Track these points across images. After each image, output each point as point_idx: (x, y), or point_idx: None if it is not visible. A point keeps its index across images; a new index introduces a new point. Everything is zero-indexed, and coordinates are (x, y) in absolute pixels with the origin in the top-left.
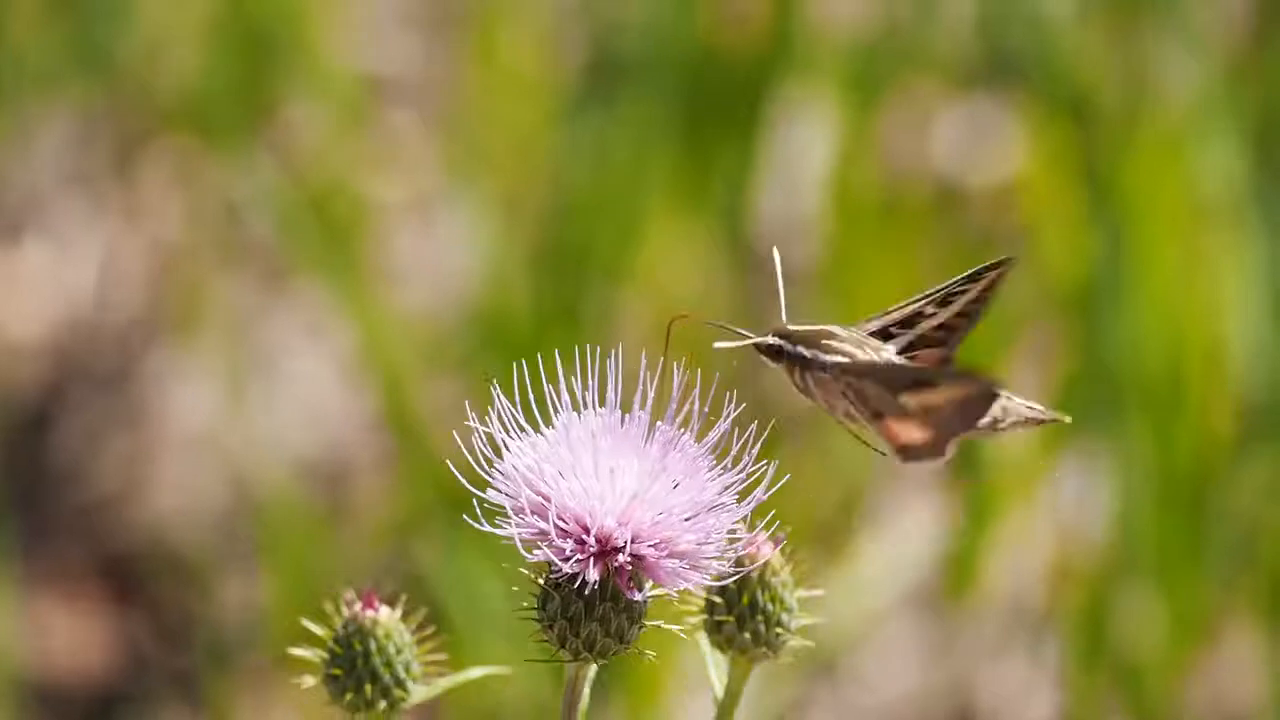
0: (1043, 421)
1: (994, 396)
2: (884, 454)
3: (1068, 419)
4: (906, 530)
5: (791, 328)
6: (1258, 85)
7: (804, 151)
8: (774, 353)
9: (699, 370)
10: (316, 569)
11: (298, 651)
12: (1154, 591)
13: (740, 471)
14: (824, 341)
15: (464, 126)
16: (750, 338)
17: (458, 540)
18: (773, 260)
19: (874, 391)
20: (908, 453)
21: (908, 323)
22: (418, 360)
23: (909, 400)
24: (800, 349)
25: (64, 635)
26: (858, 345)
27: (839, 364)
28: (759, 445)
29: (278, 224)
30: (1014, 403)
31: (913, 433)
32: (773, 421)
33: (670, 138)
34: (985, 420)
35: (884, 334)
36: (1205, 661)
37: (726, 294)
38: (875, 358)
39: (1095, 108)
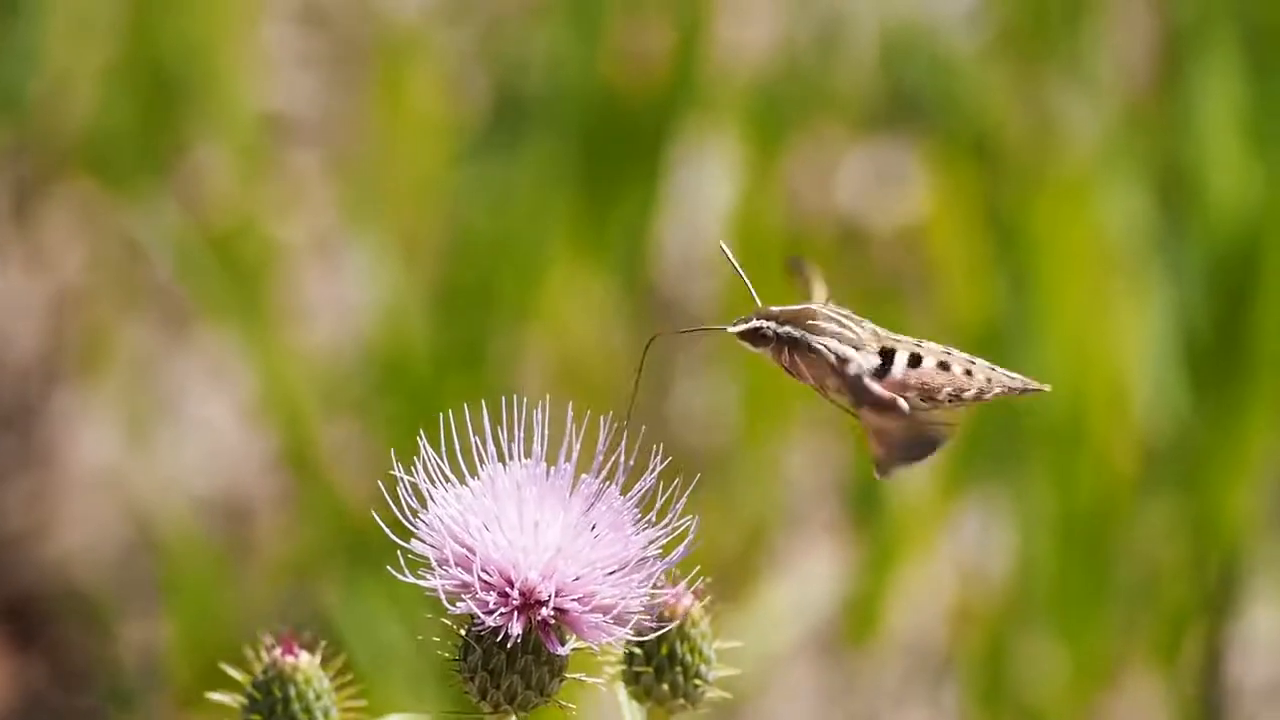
0: (1026, 390)
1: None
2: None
3: (1048, 387)
4: (807, 573)
5: (773, 309)
6: (1159, 131)
7: (707, 192)
8: (759, 336)
9: (603, 413)
10: (219, 609)
11: (216, 696)
12: (1055, 634)
13: (665, 526)
14: (809, 322)
15: (366, 167)
16: (728, 326)
17: (358, 580)
18: (725, 254)
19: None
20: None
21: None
22: (318, 401)
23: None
24: (789, 329)
25: None
26: (840, 320)
27: (825, 345)
28: (684, 499)
29: (180, 266)
30: (998, 373)
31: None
32: (666, 463)
33: (572, 178)
34: (971, 392)
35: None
36: (1106, 705)
37: (628, 335)
38: (860, 332)
39: (999, 151)
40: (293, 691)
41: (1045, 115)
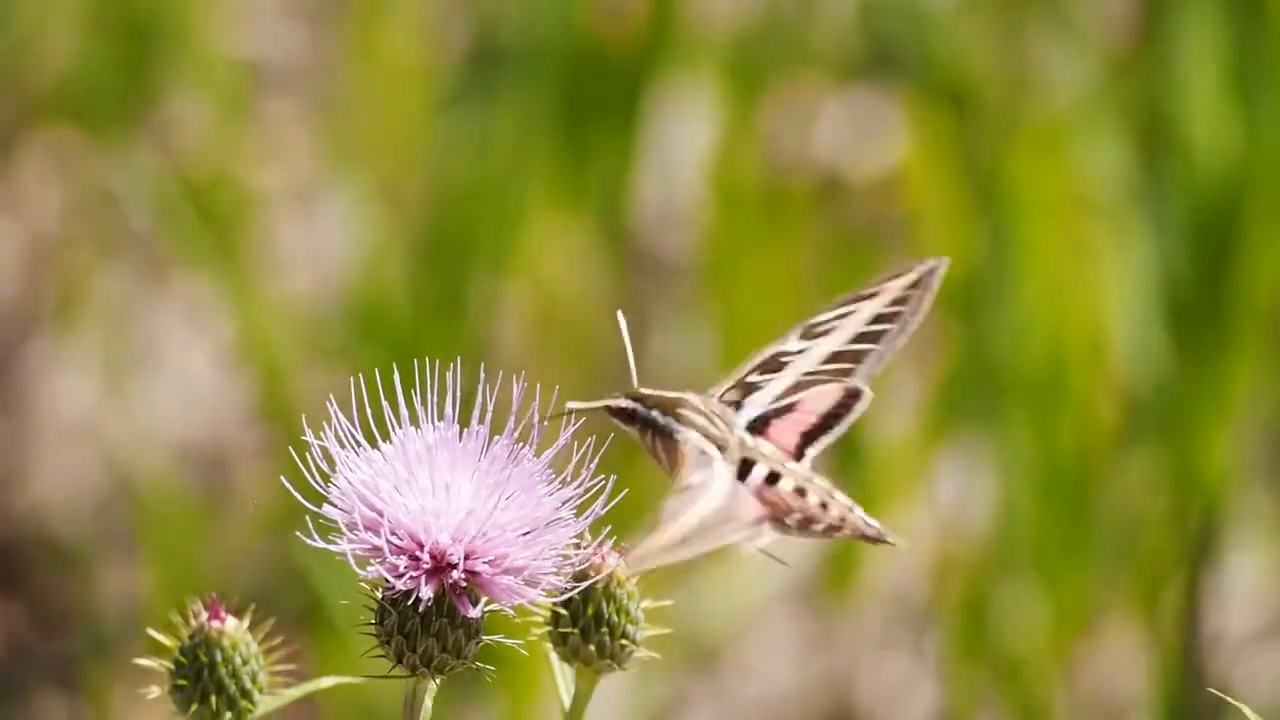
0: (880, 540)
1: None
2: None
3: (903, 543)
4: None
5: (645, 391)
6: (1139, 80)
7: (685, 142)
8: (627, 416)
9: (580, 361)
10: (196, 558)
11: (143, 662)
12: (1035, 585)
13: (578, 486)
14: (679, 410)
15: (344, 116)
16: (607, 402)
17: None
18: (619, 323)
19: None
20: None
21: (770, 366)
22: (296, 350)
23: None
24: (654, 414)
25: None
26: (710, 417)
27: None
28: (598, 458)
29: (157, 214)
30: (855, 515)
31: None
32: (580, 423)
33: (550, 128)
34: (821, 525)
35: (744, 386)
36: (1086, 655)
37: (607, 284)
38: (729, 435)
39: (978, 101)
40: (219, 656)
41: (1024, 64)
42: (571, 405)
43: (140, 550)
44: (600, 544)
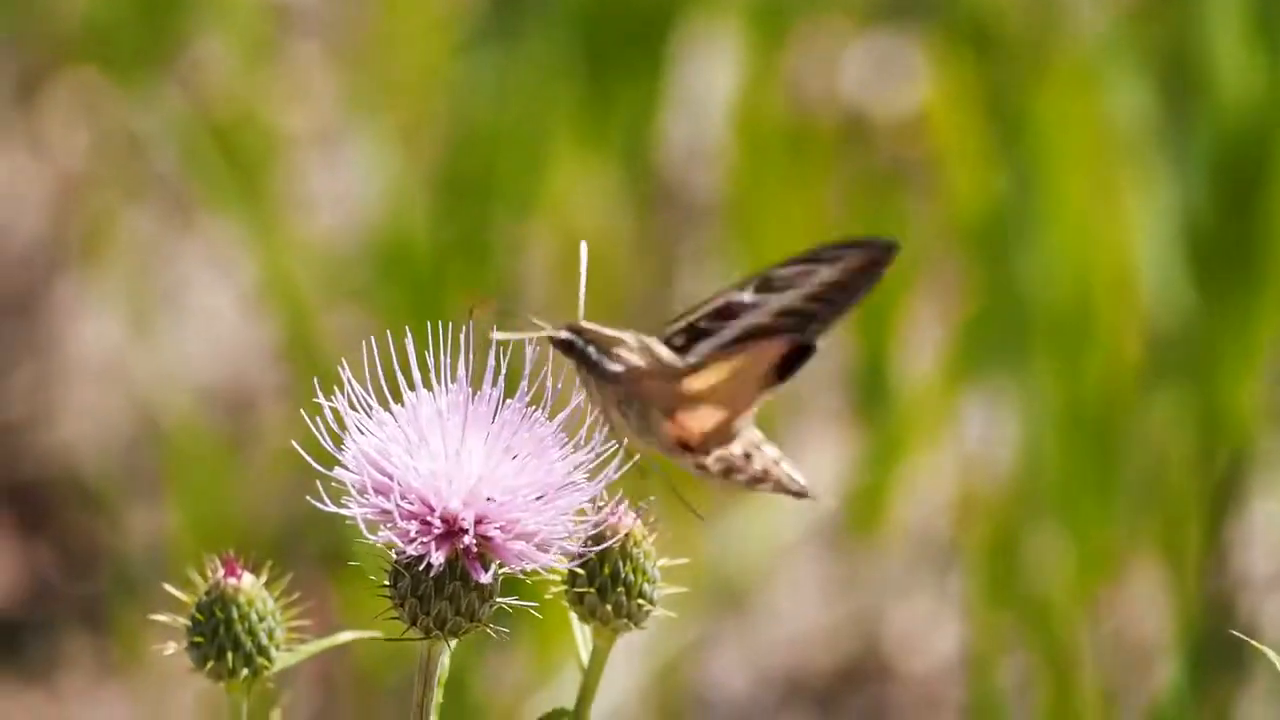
0: (801, 494)
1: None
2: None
3: (822, 498)
4: (812, 463)
5: (585, 325)
6: (1164, 20)
7: (710, 83)
8: (565, 347)
9: (605, 302)
10: (222, 498)
11: (158, 617)
12: (1060, 526)
13: (590, 450)
14: (614, 350)
15: (368, 57)
16: (544, 328)
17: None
18: (581, 254)
19: (657, 388)
20: (703, 442)
21: (722, 314)
22: (321, 291)
23: (693, 384)
24: (590, 350)
25: None
26: (646, 355)
27: (619, 372)
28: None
29: (182, 156)
30: (779, 469)
31: (704, 420)
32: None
33: (575, 69)
34: (744, 476)
35: (692, 331)
36: (1111, 596)
37: (633, 225)
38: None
39: (1002, 41)
40: (235, 613)
41: (1049, 3)
42: (499, 336)
43: (166, 490)
44: (616, 504)
